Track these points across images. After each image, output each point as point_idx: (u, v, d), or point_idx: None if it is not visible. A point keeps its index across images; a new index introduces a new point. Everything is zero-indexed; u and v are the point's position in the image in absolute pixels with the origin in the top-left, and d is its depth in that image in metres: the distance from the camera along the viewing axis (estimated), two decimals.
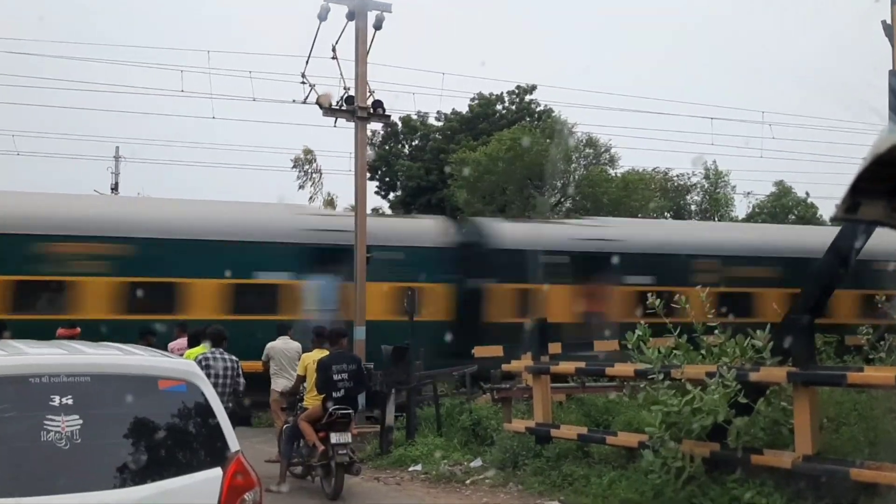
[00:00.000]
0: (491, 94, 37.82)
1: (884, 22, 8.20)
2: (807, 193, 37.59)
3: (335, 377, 9.21)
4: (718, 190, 37.72)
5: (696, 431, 7.33)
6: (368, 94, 14.29)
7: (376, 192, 39.46)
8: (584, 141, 34.29)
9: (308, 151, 38.13)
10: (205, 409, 4.28)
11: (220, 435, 4.27)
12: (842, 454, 7.17)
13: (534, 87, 37.60)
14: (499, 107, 38.27)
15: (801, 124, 37.38)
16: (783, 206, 37.17)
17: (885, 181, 1.04)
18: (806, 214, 36.14)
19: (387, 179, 39.72)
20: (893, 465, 6.35)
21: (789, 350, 7.10)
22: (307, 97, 14.88)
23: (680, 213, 37.21)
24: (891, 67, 6.31)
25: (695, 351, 8.06)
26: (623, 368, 8.81)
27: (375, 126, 32.21)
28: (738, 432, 7.17)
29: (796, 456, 6.84)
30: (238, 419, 10.44)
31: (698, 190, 38.17)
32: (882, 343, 9.27)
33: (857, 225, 6.98)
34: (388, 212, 36.38)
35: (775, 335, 7.37)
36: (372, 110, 14.31)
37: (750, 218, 37.35)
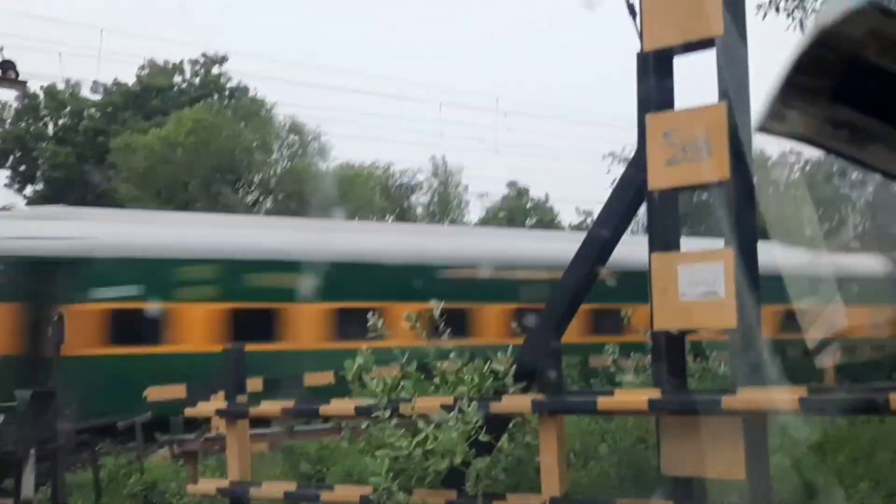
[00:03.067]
0: (167, 63, 36.87)
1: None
2: (546, 196, 40.86)
3: None
4: (449, 190, 39.81)
5: (429, 478, 7.49)
6: None
7: (7, 185, 37.53)
8: (287, 126, 34.47)
9: None
10: None
11: None
12: (592, 493, 7.75)
13: (224, 58, 37.24)
14: (178, 79, 37.39)
15: (542, 114, 40.61)
16: (521, 209, 40.06)
17: (819, 76, 1.05)
18: (545, 218, 39.23)
19: (22, 168, 37.68)
20: (646, 501, 6.97)
21: (534, 375, 7.49)
22: None
23: (405, 216, 38.64)
24: (638, 50, 6.94)
25: (428, 381, 8.25)
26: (341, 406, 8.83)
27: (5, 95, 30.49)
28: (477, 475, 7.42)
29: (543, 499, 7.23)
30: None
31: (426, 189, 39.98)
32: (629, 362, 10.18)
33: (603, 229, 7.56)
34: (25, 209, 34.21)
35: (518, 358, 7.74)
36: (1, 72, 13.41)
37: (486, 223, 39.77)
